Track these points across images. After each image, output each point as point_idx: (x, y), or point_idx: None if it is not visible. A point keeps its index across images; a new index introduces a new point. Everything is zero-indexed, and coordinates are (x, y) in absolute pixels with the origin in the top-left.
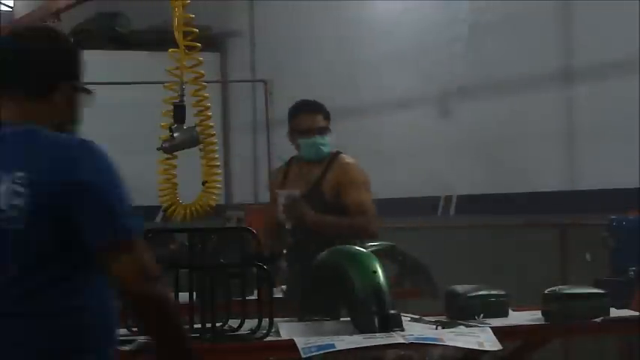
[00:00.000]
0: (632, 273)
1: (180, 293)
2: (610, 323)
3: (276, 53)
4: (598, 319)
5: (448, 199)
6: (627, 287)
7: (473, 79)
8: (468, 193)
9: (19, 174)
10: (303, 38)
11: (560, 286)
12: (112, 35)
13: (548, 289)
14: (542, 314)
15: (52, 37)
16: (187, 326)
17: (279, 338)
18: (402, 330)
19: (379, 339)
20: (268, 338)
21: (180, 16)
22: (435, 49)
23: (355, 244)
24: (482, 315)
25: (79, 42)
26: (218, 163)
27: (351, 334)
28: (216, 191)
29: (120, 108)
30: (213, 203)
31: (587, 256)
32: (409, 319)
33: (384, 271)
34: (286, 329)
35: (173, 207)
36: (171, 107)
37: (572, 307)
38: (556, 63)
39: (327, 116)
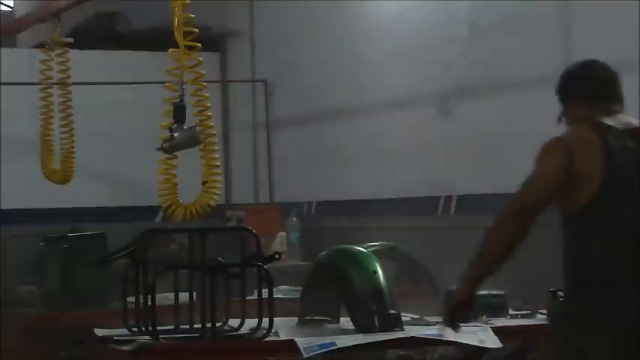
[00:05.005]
0: None
1: (180, 293)
2: None
3: (276, 53)
4: None
5: (448, 199)
6: None
7: (473, 79)
8: (468, 193)
9: None
10: (303, 38)
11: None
12: (112, 35)
13: (554, 289)
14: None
15: None
16: (187, 326)
17: (279, 338)
18: (402, 330)
19: (380, 336)
20: (268, 338)
21: (180, 16)
22: (434, 49)
23: None
24: (484, 316)
25: (80, 42)
26: (218, 163)
27: (351, 334)
28: (216, 191)
29: (120, 108)
30: (213, 203)
31: None
32: (409, 319)
33: (384, 271)
34: (286, 329)
35: (173, 207)
36: (172, 107)
37: None
38: (556, 63)
39: None
